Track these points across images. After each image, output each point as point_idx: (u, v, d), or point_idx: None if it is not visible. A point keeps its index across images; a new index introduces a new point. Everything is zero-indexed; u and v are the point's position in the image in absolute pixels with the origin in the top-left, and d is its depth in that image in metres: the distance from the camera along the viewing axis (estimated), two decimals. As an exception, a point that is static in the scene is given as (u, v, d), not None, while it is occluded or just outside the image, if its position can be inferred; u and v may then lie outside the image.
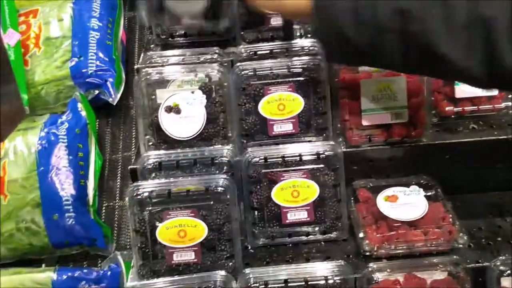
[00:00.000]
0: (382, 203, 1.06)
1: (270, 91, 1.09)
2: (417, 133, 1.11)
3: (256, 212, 1.05)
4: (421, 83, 1.11)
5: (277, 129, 1.10)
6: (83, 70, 1.20)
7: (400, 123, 1.10)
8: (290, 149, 1.06)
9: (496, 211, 1.13)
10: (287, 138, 1.10)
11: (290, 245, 1.08)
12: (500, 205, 1.15)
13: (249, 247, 1.07)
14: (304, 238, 1.07)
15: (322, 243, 1.08)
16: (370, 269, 0.96)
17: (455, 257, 0.97)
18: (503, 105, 1.17)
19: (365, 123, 1.10)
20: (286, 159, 1.05)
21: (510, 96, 1.17)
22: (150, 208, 0.99)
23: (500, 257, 0.97)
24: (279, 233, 1.06)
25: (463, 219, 1.10)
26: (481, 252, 1.02)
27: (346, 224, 1.07)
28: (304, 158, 1.05)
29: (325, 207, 1.06)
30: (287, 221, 1.05)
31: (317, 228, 1.07)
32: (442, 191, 1.10)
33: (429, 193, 1.08)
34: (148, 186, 0.99)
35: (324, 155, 1.05)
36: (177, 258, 0.98)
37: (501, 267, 0.96)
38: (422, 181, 1.11)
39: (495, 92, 1.16)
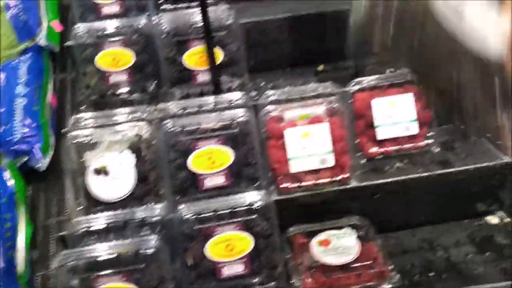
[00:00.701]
0: (316, 249, 1.08)
1: (199, 145, 1.10)
2: (344, 176, 1.15)
3: (191, 271, 1.04)
4: (343, 128, 1.16)
5: (209, 182, 1.11)
6: (9, 138, 1.18)
7: (327, 168, 1.14)
8: (222, 203, 1.07)
9: (427, 245, 1.17)
10: (219, 191, 1.11)
11: (230, 300, 1.07)
12: (431, 239, 1.19)
13: (188, 307, 1.06)
14: (242, 291, 1.07)
15: (262, 293, 1.08)
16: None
17: (387, 297, 0.99)
18: (424, 143, 1.23)
19: (293, 170, 1.12)
20: (218, 213, 1.05)
21: (430, 134, 1.23)
22: (80, 276, 0.97)
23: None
24: (217, 289, 1.06)
25: (396, 256, 1.14)
26: (415, 291, 1.05)
27: (283, 272, 1.07)
28: (236, 210, 1.06)
29: (261, 258, 1.06)
30: (223, 276, 1.04)
31: (254, 280, 1.06)
32: (375, 230, 1.13)
33: (361, 234, 1.11)
34: (75, 254, 0.96)
35: (256, 206, 1.07)
36: (112, 327, 0.96)
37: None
38: (354, 222, 1.14)
39: (415, 131, 1.22)
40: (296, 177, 1.13)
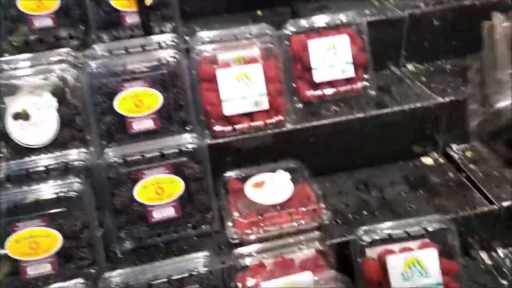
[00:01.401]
0: (250, 191, 1.06)
1: (125, 87, 1.05)
2: (279, 119, 1.12)
3: (120, 215, 1.00)
4: (278, 70, 1.13)
5: (137, 126, 1.06)
6: None
7: (262, 111, 1.11)
8: (151, 146, 1.03)
9: (363, 186, 1.17)
10: (148, 135, 1.07)
11: (162, 244, 1.04)
12: (366, 180, 1.19)
13: (118, 253, 1.02)
14: (174, 235, 1.04)
15: (195, 238, 1.05)
16: (235, 255, 0.94)
17: (319, 233, 0.99)
18: (360, 86, 1.22)
19: (226, 113, 1.09)
20: (146, 156, 1.01)
21: (366, 76, 1.22)
22: (-2, 222, 0.91)
23: (363, 228, 0.99)
24: (147, 234, 1.02)
25: (331, 197, 1.14)
26: (347, 227, 1.05)
27: (217, 216, 1.05)
28: (165, 153, 1.02)
29: (192, 201, 1.03)
30: (154, 220, 1.01)
31: (186, 223, 1.04)
32: (311, 173, 1.12)
33: (295, 176, 1.10)
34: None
35: (186, 149, 1.03)
36: (32, 272, 0.91)
37: (364, 237, 0.98)
38: (289, 166, 1.12)
39: (351, 74, 1.20)
40: (230, 120, 1.10)
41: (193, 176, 1.03)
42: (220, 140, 1.10)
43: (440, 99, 1.19)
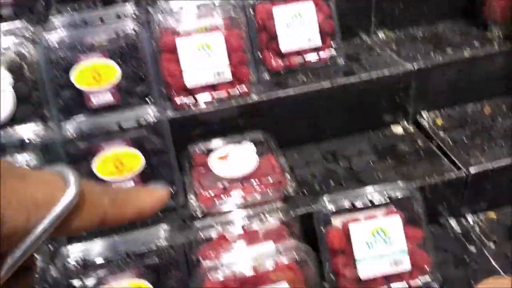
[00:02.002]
0: (215, 163, 1.04)
1: (82, 60, 1.02)
2: (243, 90, 1.10)
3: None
4: (241, 39, 1.10)
5: (96, 100, 1.03)
6: None
7: (225, 82, 1.08)
8: (109, 119, 1.00)
9: (331, 157, 1.16)
10: (108, 109, 1.04)
11: (125, 220, 1.02)
12: (335, 151, 1.17)
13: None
14: (138, 211, 1.02)
15: (159, 213, 1.04)
16: (197, 228, 0.93)
17: (283, 205, 0.97)
18: (328, 55, 1.19)
19: (188, 84, 1.06)
20: (105, 130, 0.99)
21: (334, 46, 1.20)
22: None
23: (326, 198, 0.98)
24: (109, 209, 1.00)
25: (299, 168, 1.12)
26: (314, 197, 1.03)
27: (182, 190, 1.03)
28: (125, 127, 1.00)
29: (155, 176, 1.01)
30: (115, 195, 0.99)
31: (149, 199, 1.02)
32: (279, 144, 1.10)
33: (261, 148, 1.08)
34: None
35: (146, 122, 1.01)
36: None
37: (328, 207, 0.97)
38: (255, 137, 1.11)
39: (318, 43, 1.18)
40: (192, 92, 1.07)
41: (155, 150, 1.01)
42: (183, 113, 1.08)
43: (409, 66, 1.16)
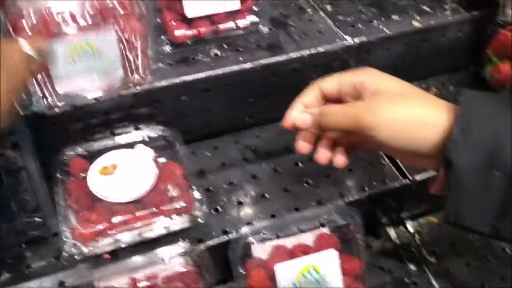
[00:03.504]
0: (96, 179, 0.77)
1: None
2: (137, 78, 0.82)
3: None
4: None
5: None
6: None
7: (109, 64, 0.79)
8: None
9: (252, 155, 0.93)
10: None
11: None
12: (256, 146, 0.95)
13: None
14: (-7, 247, 0.75)
15: (22, 245, 0.78)
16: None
17: (188, 244, 0.75)
18: (248, 21, 0.92)
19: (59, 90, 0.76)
20: None
21: (256, 8, 0.93)
22: None
23: (248, 226, 0.77)
24: None
25: (212, 173, 0.89)
26: (230, 219, 0.81)
27: (51, 216, 0.77)
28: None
29: (12, 202, 0.74)
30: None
31: (8, 234, 0.75)
32: (186, 139, 0.86)
33: (160, 151, 0.83)
34: None
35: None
36: None
37: (251, 238, 0.76)
38: (153, 135, 0.85)
39: (237, 6, 0.90)
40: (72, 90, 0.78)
41: (9, 167, 0.73)
42: (55, 112, 0.78)
43: (349, 40, 0.93)
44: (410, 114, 0.52)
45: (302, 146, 0.63)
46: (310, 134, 0.62)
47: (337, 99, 0.61)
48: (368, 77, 0.58)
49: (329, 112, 0.57)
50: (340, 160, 0.61)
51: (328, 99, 0.62)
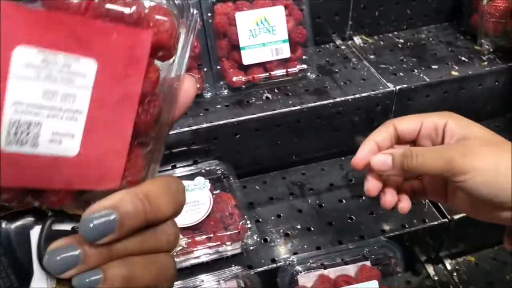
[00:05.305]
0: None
1: None
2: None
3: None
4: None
5: None
6: None
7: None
8: None
9: (298, 190, 1.00)
10: None
11: None
12: (301, 183, 1.02)
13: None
14: None
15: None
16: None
17: (241, 267, 0.82)
18: (297, 68, 1.02)
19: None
20: None
21: (305, 57, 1.02)
22: None
23: (295, 255, 0.84)
24: None
25: (263, 205, 0.96)
26: (277, 248, 0.88)
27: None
28: None
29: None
30: None
31: None
32: (237, 174, 0.94)
33: (217, 184, 0.91)
34: None
35: None
36: None
37: (297, 267, 0.83)
38: (211, 168, 0.94)
39: (287, 55, 1.00)
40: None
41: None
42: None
43: (390, 86, 1.01)
44: (506, 163, 0.49)
45: (373, 187, 0.57)
46: (379, 176, 0.57)
47: (412, 141, 0.57)
48: (453, 120, 0.54)
49: (419, 153, 0.52)
50: (406, 205, 0.57)
51: (400, 140, 0.57)
